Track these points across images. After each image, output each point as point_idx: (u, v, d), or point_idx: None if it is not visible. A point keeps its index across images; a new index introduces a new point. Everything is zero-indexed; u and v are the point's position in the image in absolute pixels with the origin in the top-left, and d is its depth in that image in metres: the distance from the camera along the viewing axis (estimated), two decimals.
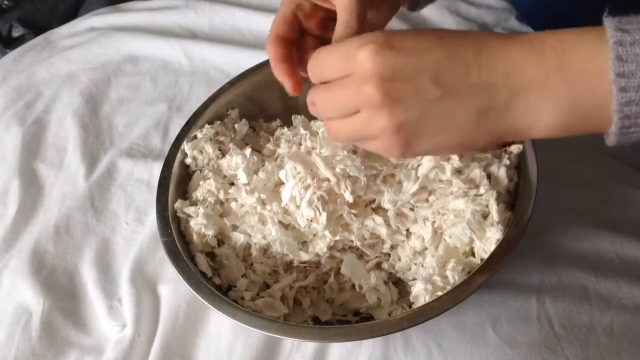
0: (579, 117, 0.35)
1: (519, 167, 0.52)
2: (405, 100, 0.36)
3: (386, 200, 0.50)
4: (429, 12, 0.81)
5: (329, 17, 0.47)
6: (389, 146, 0.39)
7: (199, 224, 0.53)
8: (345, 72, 0.38)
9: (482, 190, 0.50)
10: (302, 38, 0.48)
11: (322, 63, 0.40)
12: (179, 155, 0.58)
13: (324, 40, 0.49)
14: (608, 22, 0.33)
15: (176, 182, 0.57)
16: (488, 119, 0.36)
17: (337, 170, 0.50)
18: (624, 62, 0.32)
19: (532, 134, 0.37)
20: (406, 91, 0.36)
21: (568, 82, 0.34)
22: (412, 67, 0.36)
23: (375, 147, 0.40)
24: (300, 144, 0.55)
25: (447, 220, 0.51)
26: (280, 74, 0.45)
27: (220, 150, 0.59)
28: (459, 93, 0.36)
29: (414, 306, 0.48)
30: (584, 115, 0.34)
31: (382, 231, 0.51)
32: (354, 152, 0.52)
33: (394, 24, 0.76)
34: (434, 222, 0.51)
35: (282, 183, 0.53)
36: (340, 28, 0.43)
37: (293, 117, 0.62)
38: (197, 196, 0.56)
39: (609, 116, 0.33)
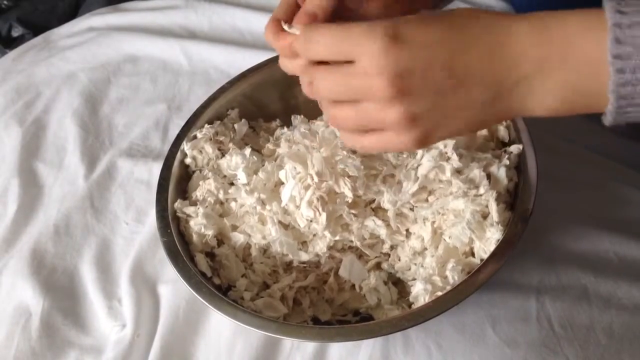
0: (578, 100, 0.35)
1: (518, 167, 0.52)
2: (418, 93, 0.36)
3: (386, 201, 0.50)
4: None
5: None
6: (403, 139, 0.37)
7: (198, 224, 0.53)
8: (347, 58, 0.36)
9: (481, 191, 0.50)
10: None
11: (316, 44, 0.37)
12: (178, 155, 0.58)
13: None
14: (607, 3, 0.33)
15: (176, 182, 0.57)
16: (496, 106, 0.37)
17: (337, 169, 0.50)
18: (621, 44, 0.32)
19: (534, 114, 0.37)
20: (419, 86, 0.35)
21: (571, 71, 0.34)
22: (425, 61, 0.35)
23: (384, 141, 0.38)
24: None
25: (446, 221, 0.51)
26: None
27: (220, 150, 0.59)
28: (471, 84, 0.36)
29: (414, 306, 0.48)
30: (584, 97, 0.35)
31: (382, 231, 0.51)
32: (354, 152, 0.52)
33: None
34: (433, 222, 0.51)
35: (282, 183, 0.53)
36: None
37: (293, 117, 0.62)
38: (196, 196, 0.56)
39: (607, 97, 0.34)
